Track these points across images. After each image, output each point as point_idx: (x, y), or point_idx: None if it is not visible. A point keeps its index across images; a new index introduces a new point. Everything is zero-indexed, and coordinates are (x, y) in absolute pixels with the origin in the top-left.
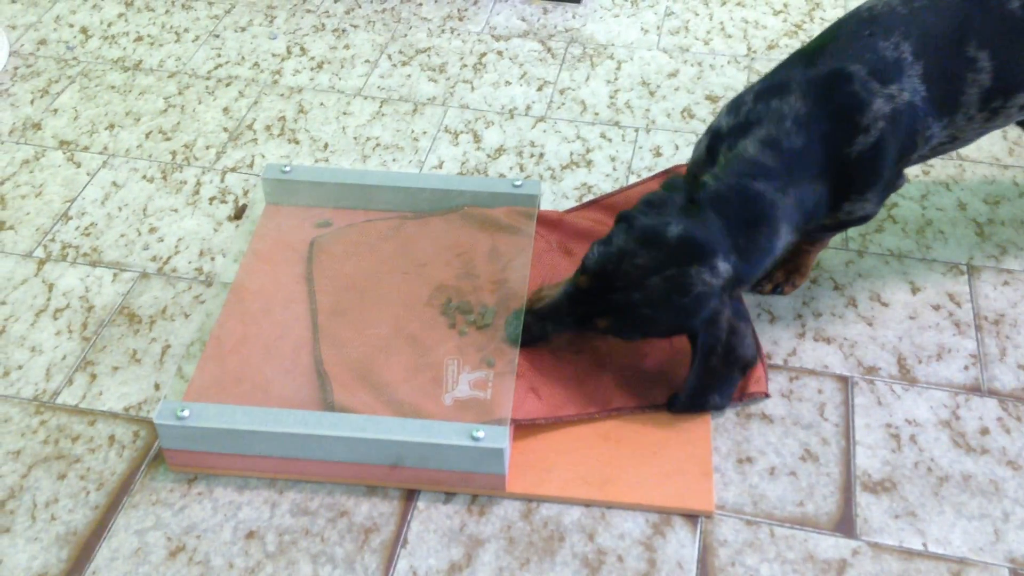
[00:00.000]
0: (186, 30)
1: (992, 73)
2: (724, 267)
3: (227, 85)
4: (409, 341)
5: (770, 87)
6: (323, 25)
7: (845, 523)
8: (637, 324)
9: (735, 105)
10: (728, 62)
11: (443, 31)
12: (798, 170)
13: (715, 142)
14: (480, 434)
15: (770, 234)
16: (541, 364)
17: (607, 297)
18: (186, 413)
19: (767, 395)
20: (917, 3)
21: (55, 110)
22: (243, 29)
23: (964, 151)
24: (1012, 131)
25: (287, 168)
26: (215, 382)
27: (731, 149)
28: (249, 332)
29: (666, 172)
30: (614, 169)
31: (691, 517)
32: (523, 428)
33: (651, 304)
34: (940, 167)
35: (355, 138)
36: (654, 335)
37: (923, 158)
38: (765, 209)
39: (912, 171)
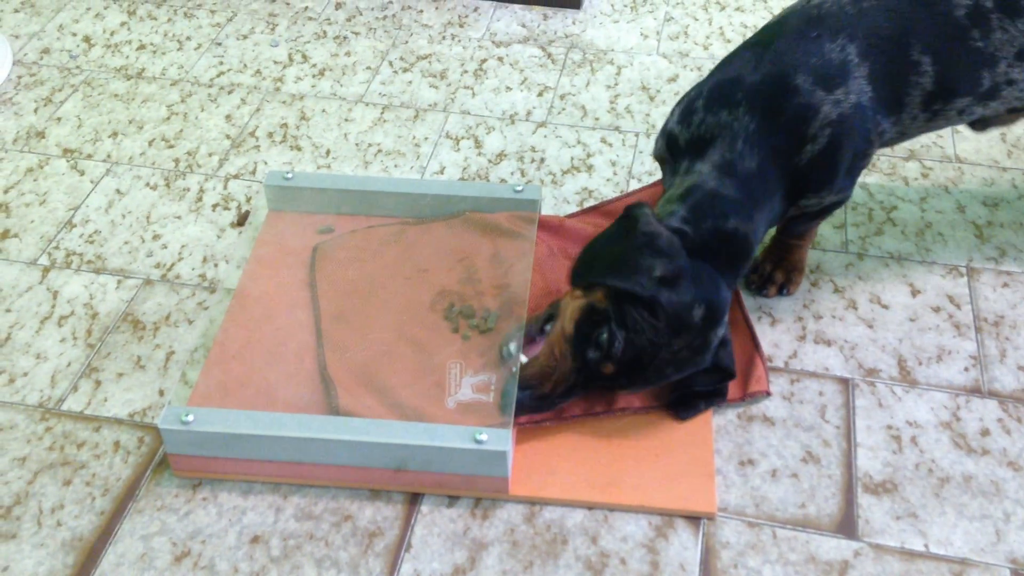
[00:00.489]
0: (188, 38)
1: (934, 77)
2: (726, 315)
3: (229, 92)
4: (412, 345)
5: (719, 90)
6: (324, 32)
7: (847, 524)
8: (655, 385)
9: (686, 111)
10: None
11: (444, 37)
12: (759, 192)
13: (672, 146)
14: (483, 437)
15: (748, 261)
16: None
17: (638, 377)
18: (191, 418)
19: (768, 393)
20: (865, 3)
21: (58, 118)
22: (245, 37)
23: (963, 154)
24: (1011, 133)
25: (289, 174)
26: (219, 387)
27: (689, 172)
28: (253, 337)
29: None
30: (615, 174)
31: (693, 519)
32: (526, 431)
33: (680, 371)
34: (939, 170)
35: (357, 144)
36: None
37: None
38: (744, 245)
39: (911, 173)
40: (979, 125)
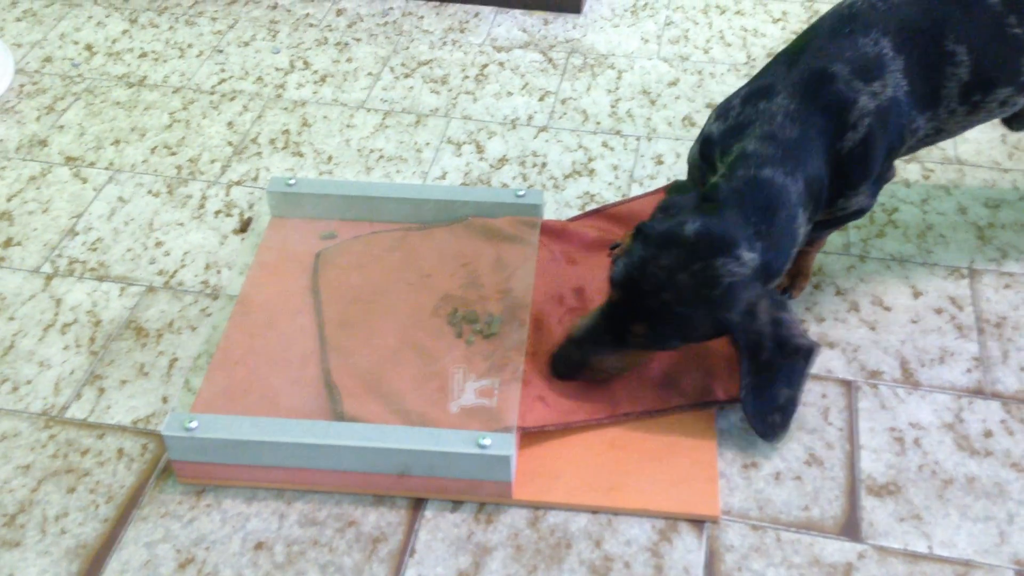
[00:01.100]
0: (190, 45)
1: (970, 67)
2: (749, 256)
3: (231, 100)
4: (416, 351)
5: (756, 91)
6: (325, 39)
7: (850, 527)
8: (674, 326)
9: (723, 110)
10: (728, 70)
11: (445, 43)
12: (801, 156)
13: (707, 148)
14: (486, 442)
15: (789, 219)
16: (548, 373)
17: (639, 304)
18: (194, 425)
19: None
20: None
21: (61, 127)
22: (246, 44)
23: (964, 155)
24: (1012, 135)
25: (292, 181)
26: (222, 394)
27: (726, 153)
28: (256, 344)
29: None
30: (616, 178)
31: (697, 523)
32: (529, 436)
33: (683, 302)
34: (940, 171)
35: (359, 150)
36: (693, 337)
37: (911, 149)
38: (779, 193)
39: (912, 175)
40: (1016, 123)
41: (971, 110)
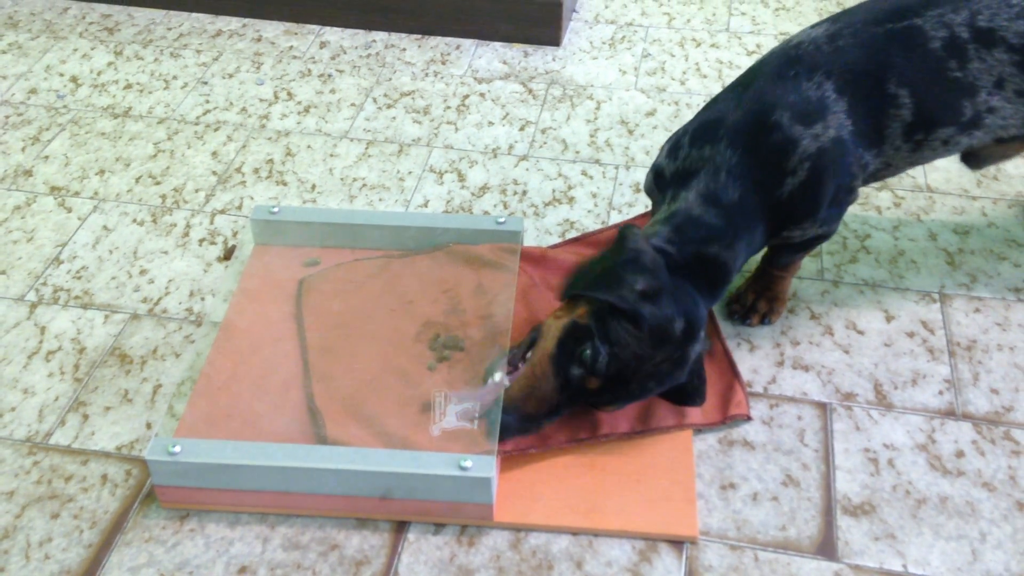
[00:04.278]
0: (175, 77)
1: (913, 109)
2: (703, 330)
3: (215, 130)
4: (398, 375)
5: (703, 128)
6: (309, 70)
7: (827, 546)
8: (638, 399)
9: (673, 147)
10: (704, 100)
11: (427, 74)
12: (740, 221)
13: (659, 181)
14: (467, 464)
15: (726, 285)
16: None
17: (620, 390)
18: (177, 449)
19: (749, 418)
20: (840, 42)
21: (46, 157)
22: (231, 75)
23: (933, 183)
24: None
25: (275, 209)
26: (206, 419)
27: (675, 200)
28: (239, 370)
29: (645, 215)
30: (595, 205)
31: (676, 543)
32: (510, 458)
33: (660, 384)
34: (911, 199)
35: (342, 179)
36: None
37: (864, 182)
38: (723, 269)
39: (883, 203)
40: (972, 161)
41: (915, 148)
